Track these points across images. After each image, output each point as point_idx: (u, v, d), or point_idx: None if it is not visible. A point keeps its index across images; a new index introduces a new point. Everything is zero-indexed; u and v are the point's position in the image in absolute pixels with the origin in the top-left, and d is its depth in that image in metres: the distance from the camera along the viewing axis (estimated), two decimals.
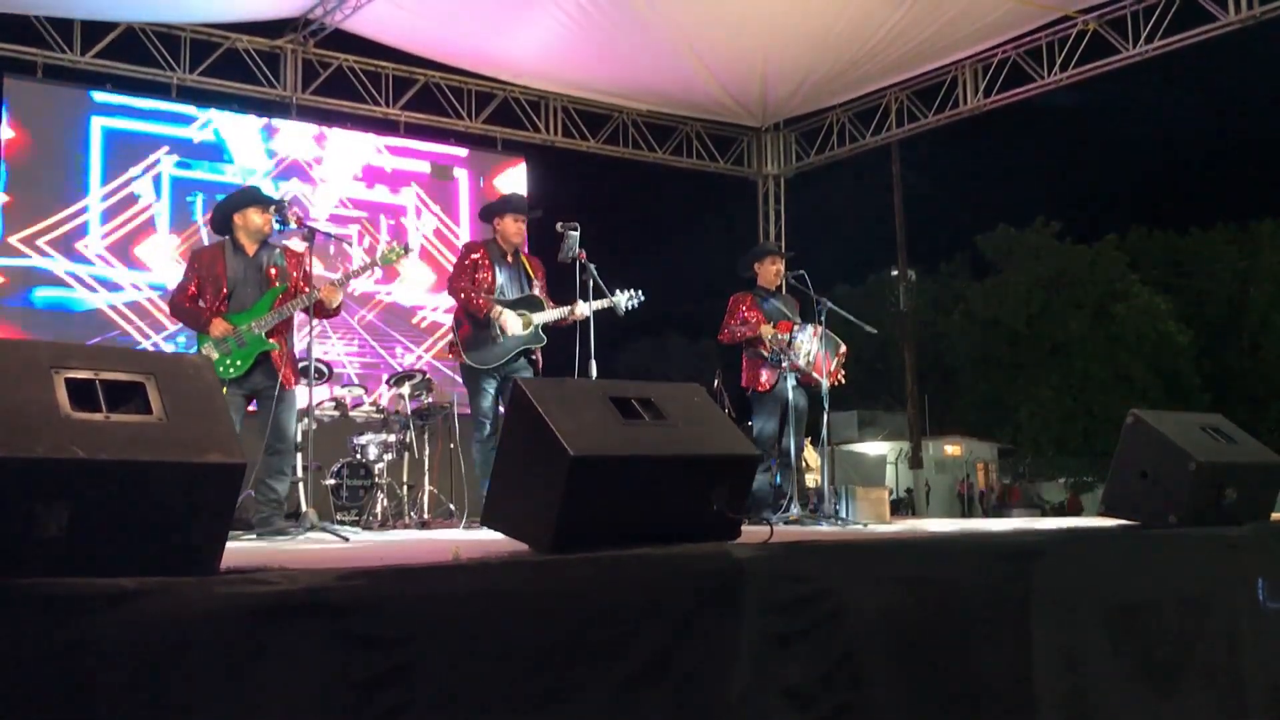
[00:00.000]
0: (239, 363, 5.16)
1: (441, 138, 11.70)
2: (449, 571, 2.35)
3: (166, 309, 5.71)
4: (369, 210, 11.02)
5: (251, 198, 5.48)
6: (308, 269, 5.33)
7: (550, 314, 5.93)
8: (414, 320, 11.08)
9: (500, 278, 5.95)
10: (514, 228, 6.07)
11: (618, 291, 6.06)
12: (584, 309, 5.91)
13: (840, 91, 12.29)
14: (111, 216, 9.79)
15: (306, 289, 5.33)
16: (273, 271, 5.37)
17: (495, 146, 12.03)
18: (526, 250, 6.29)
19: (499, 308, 5.81)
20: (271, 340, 5.25)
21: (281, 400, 5.24)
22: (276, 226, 5.50)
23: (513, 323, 5.80)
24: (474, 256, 6.00)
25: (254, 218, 5.37)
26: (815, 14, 10.28)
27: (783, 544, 2.90)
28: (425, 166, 11.48)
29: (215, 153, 10.33)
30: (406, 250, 5.91)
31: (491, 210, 6.24)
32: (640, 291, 6.15)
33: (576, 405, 2.79)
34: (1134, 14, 10.32)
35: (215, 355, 5.12)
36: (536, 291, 6.02)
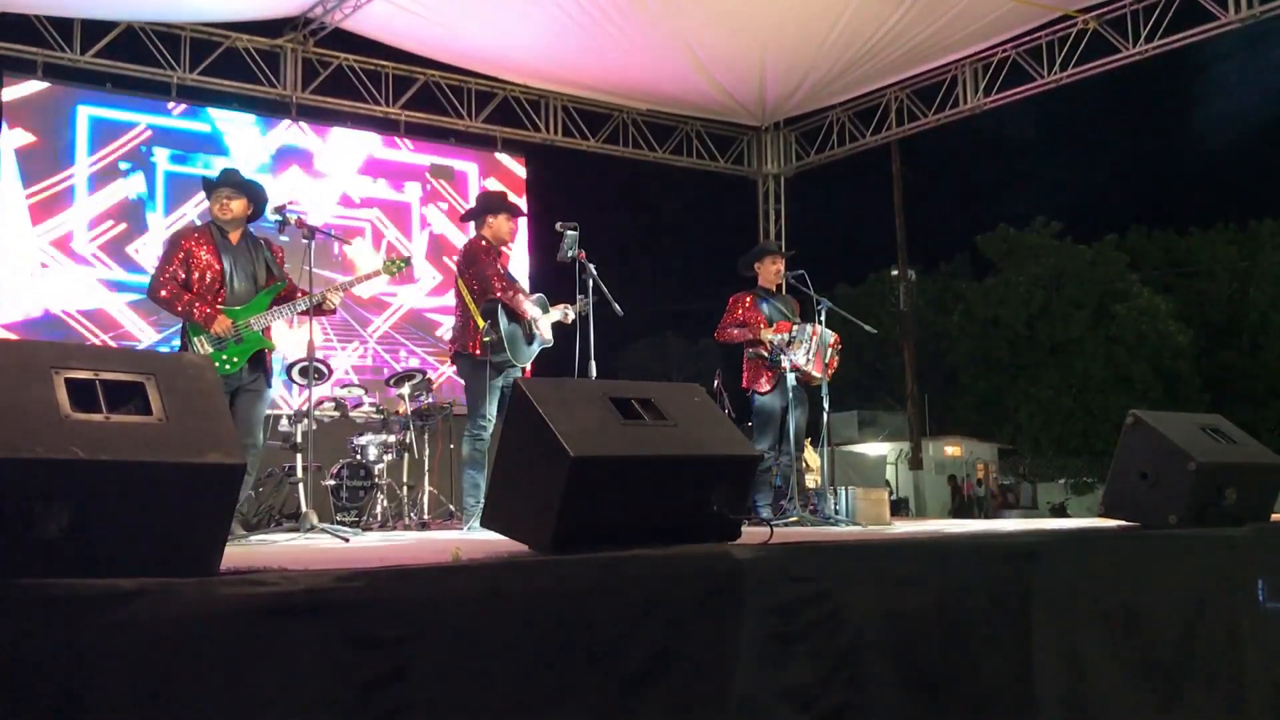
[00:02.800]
0: (235, 359, 4.98)
1: (441, 137, 11.70)
2: (449, 572, 2.35)
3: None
4: (367, 210, 11.02)
5: (222, 181, 5.27)
6: (306, 268, 5.23)
7: (557, 314, 6.02)
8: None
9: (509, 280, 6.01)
10: (507, 226, 6.05)
11: (578, 298, 5.98)
12: (571, 313, 6.01)
13: (840, 91, 12.29)
14: (106, 215, 9.79)
15: (302, 292, 5.24)
16: (264, 266, 5.23)
17: (495, 146, 12.02)
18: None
19: (532, 309, 5.89)
20: (268, 338, 5.13)
21: (260, 397, 5.13)
22: (273, 218, 5.47)
23: (547, 326, 5.96)
24: (491, 254, 5.95)
25: (231, 205, 5.16)
26: (815, 14, 10.28)
27: (782, 545, 2.89)
28: (424, 166, 11.48)
29: (215, 149, 10.32)
30: (408, 262, 5.91)
31: (485, 208, 6.14)
32: (588, 300, 6.00)
33: (576, 405, 2.79)
34: (1134, 13, 10.33)
35: (209, 349, 4.93)
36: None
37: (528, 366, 6.12)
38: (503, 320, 5.79)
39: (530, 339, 5.90)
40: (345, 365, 10.36)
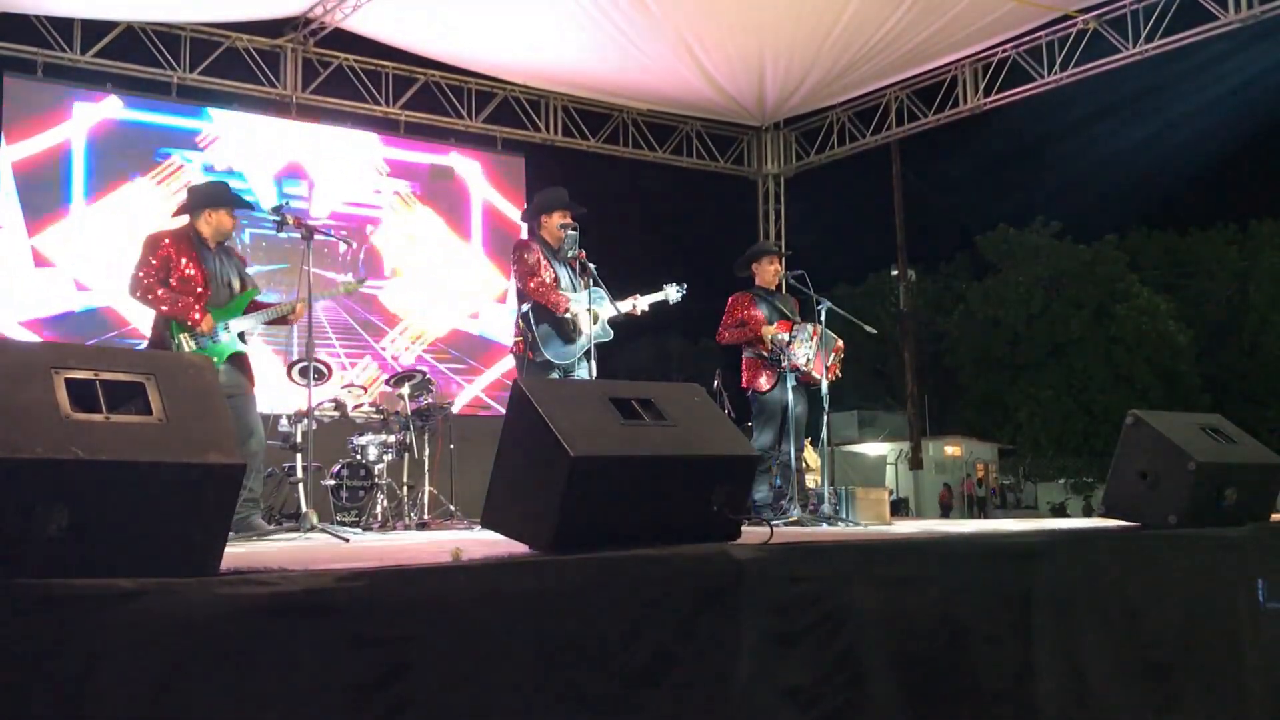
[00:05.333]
0: (214, 359, 5.02)
1: (442, 137, 11.70)
2: (449, 572, 2.35)
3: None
4: (366, 210, 11.03)
5: (223, 198, 5.35)
6: (305, 267, 5.28)
7: (615, 308, 5.87)
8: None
9: (561, 274, 5.89)
10: (559, 222, 5.94)
11: (666, 286, 6.16)
12: (643, 303, 6.00)
13: (840, 91, 12.29)
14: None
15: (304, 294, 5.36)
16: (237, 274, 5.35)
17: (495, 146, 12.02)
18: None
19: (571, 304, 5.80)
20: (243, 342, 5.25)
21: (250, 399, 5.25)
22: (272, 217, 5.50)
23: (586, 318, 5.81)
24: (535, 255, 5.88)
25: (225, 220, 5.29)
26: (815, 14, 10.27)
27: (782, 545, 2.89)
28: (424, 167, 11.49)
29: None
30: (362, 283, 6.19)
31: (539, 208, 6.08)
32: (684, 284, 6.20)
33: (576, 405, 2.79)
34: (1134, 13, 10.32)
35: (191, 347, 5.02)
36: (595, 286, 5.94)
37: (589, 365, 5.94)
38: (534, 319, 5.79)
39: (570, 337, 5.80)
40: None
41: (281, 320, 5.44)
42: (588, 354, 5.82)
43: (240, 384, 5.20)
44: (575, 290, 5.87)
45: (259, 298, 5.49)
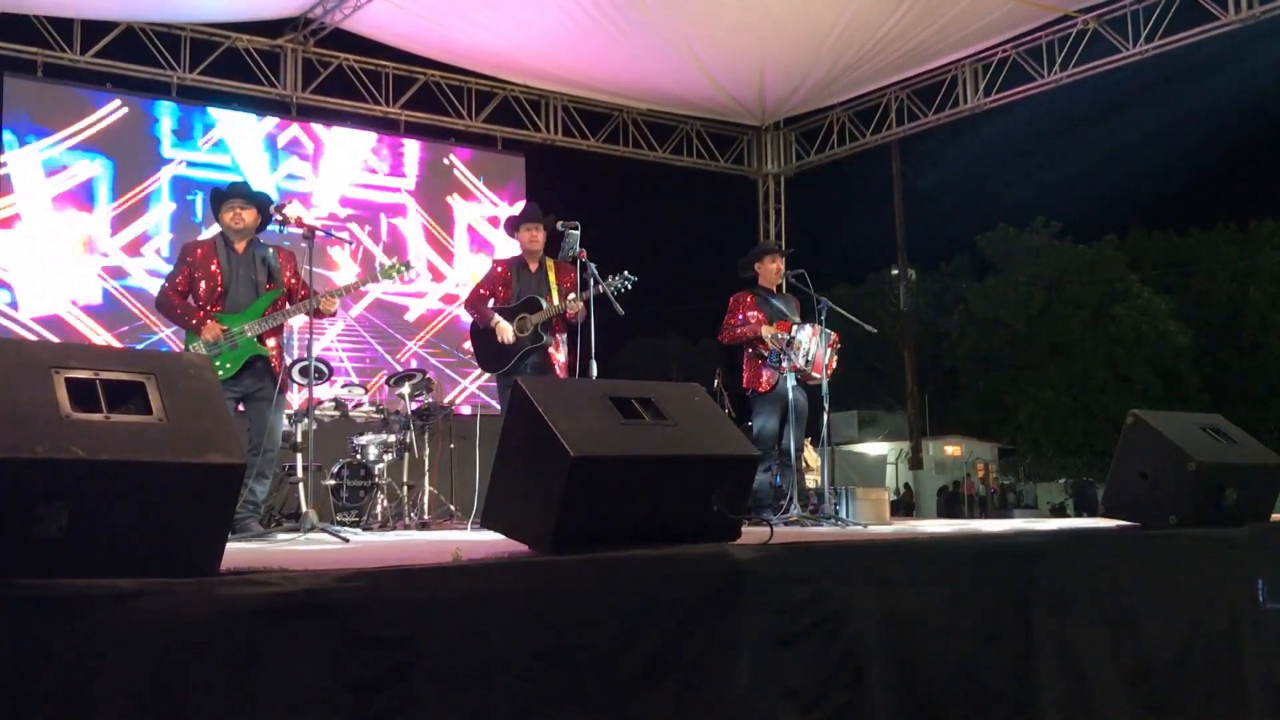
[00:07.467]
0: (229, 365, 5.07)
1: (441, 137, 11.70)
2: (449, 572, 2.35)
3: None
4: (367, 209, 11.03)
5: (234, 193, 5.39)
6: (307, 267, 5.28)
7: (544, 313, 6.03)
8: (405, 316, 11.09)
9: (518, 288, 6.13)
10: (526, 236, 6.18)
11: (610, 277, 5.95)
12: (579, 300, 5.98)
13: (840, 91, 12.29)
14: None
15: (304, 293, 5.31)
16: (266, 273, 5.31)
17: (495, 145, 12.03)
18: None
19: (495, 316, 6.06)
20: (263, 345, 5.21)
21: (270, 405, 5.20)
22: (274, 226, 5.49)
23: (506, 330, 6.04)
24: (497, 271, 6.23)
25: (244, 215, 5.29)
26: (815, 14, 10.27)
27: (782, 545, 2.89)
28: (424, 166, 11.49)
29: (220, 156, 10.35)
30: (408, 266, 5.91)
31: (511, 225, 6.36)
32: (628, 273, 6.02)
33: (576, 405, 2.79)
34: (1134, 13, 10.33)
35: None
36: (552, 296, 6.01)
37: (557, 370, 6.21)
38: (477, 332, 6.20)
39: (495, 348, 6.07)
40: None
41: (319, 315, 5.38)
42: (533, 365, 5.99)
43: (262, 386, 5.20)
44: (539, 297, 6.07)
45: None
